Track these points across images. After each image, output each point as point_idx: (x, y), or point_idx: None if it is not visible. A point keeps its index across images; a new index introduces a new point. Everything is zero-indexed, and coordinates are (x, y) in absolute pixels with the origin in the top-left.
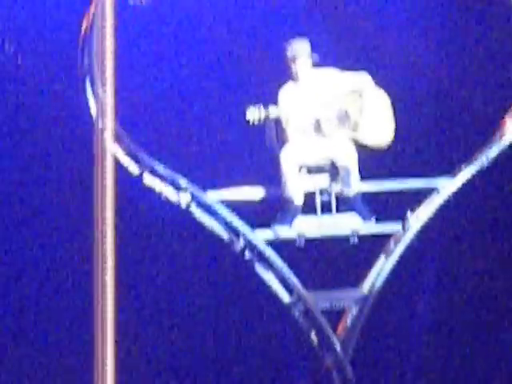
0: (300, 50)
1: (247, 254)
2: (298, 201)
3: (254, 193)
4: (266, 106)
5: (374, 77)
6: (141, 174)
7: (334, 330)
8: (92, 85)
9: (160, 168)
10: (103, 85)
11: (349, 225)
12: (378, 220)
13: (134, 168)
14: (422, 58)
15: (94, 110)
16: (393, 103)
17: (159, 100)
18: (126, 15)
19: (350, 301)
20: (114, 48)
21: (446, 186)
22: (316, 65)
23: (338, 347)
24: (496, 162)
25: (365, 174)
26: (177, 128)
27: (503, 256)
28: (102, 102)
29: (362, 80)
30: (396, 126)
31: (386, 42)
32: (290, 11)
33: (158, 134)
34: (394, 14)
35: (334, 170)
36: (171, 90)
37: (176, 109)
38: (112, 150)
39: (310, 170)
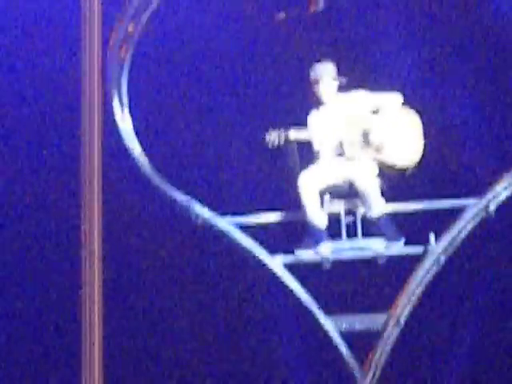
0: (322, 73)
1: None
2: (321, 224)
3: (275, 217)
4: (287, 129)
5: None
6: None
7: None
8: None
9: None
10: None
11: (373, 248)
12: (407, 242)
13: None
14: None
15: None
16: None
17: (177, 120)
18: None
19: (377, 325)
20: None
21: (474, 207)
22: (344, 87)
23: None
24: None
25: (392, 195)
26: (195, 149)
27: None
28: None
29: (390, 100)
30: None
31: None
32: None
33: (177, 154)
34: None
35: (356, 193)
36: (190, 108)
37: (195, 129)
38: None
39: (334, 194)
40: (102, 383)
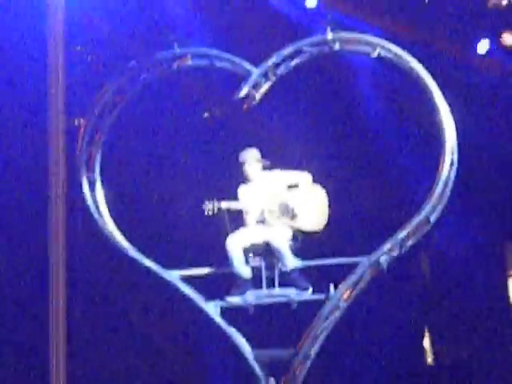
0: (248, 157)
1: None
2: (246, 276)
3: (209, 270)
4: (219, 200)
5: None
6: None
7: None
8: None
9: None
10: None
11: (286, 295)
12: (315, 290)
13: None
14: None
15: None
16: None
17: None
18: None
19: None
20: None
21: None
22: (267, 168)
23: None
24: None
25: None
26: (154, 217)
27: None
28: None
29: (302, 177)
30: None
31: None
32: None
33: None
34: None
35: (273, 251)
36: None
37: (152, 203)
38: None
39: (256, 252)
40: None
